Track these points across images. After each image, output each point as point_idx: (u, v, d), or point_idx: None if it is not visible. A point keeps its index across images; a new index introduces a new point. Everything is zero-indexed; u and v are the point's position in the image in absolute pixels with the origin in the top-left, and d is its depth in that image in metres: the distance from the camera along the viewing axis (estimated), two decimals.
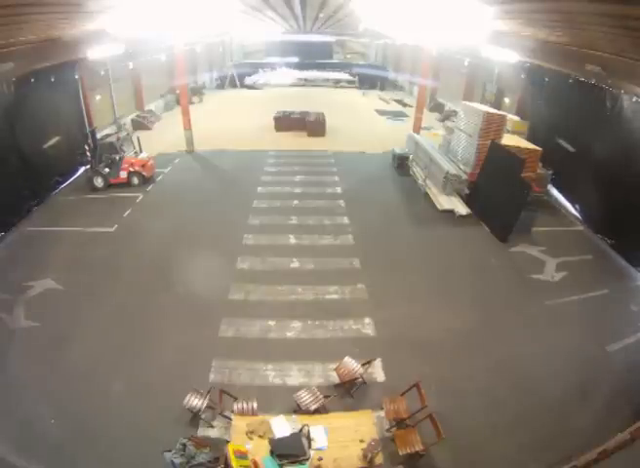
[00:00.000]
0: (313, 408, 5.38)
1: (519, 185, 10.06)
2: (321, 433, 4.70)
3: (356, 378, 5.97)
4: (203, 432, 5.42)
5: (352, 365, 6.04)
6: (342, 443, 4.65)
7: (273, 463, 4.38)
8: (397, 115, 23.56)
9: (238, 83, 31.68)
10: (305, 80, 33.05)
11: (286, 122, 19.53)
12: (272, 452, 4.46)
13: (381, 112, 24.16)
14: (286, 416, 4.92)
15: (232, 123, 20.86)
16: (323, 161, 15.86)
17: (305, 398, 5.51)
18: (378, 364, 6.53)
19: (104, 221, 10.74)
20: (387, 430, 5.34)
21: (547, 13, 6.43)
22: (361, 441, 4.66)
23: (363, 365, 6.06)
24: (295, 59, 34.52)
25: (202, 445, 4.84)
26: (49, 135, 12.46)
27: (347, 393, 6.00)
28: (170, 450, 4.70)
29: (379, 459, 4.53)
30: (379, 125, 21.44)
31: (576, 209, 11.95)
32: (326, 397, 5.55)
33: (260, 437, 4.65)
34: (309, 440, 4.58)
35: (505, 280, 8.88)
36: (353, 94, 30.31)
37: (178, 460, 4.64)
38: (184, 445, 4.75)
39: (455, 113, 17.90)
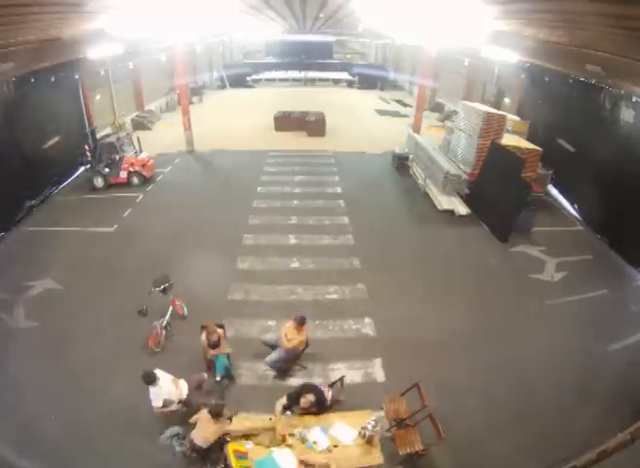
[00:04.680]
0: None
1: (519, 185, 10.06)
2: (320, 434, 4.70)
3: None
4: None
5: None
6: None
7: (273, 464, 4.38)
8: (397, 115, 23.56)
9: (227, 84, 31.74)
10: (305, 80, 33.08)
11: (286, 122, 19.53)
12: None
13: (382, 112, 24.16)
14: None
15: (232, 123, 20.85)
16: (323, 161, 15.86)
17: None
18: (378, 363, 6.53)
19: (104, 221, 10.75)
20: (387, 430, 5.33)
21: (548, 13, 6.43)
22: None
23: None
24: (295, 59, 34.50)
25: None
26: (49, 134, 12.47)
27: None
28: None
29: (376, 441, 4.61)
30: (379, 125, 21.42)
31: (575, 209, 11.96)
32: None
33: (268, 446, 4.60)
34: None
35: (505, 280, 8.89)
36: (353, 94, 30.32)
37: (179, 448, 4.68)
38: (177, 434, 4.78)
39: (455, 113, 17.92)
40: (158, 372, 5.17)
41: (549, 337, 7.18)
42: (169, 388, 5.23)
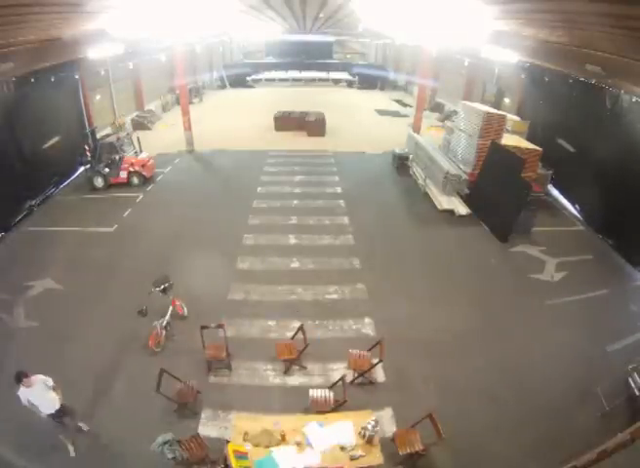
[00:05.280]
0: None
1: (519, 185, 10.06)
2: (317, 428, 4.71)
3: (373, 366, 6.07)
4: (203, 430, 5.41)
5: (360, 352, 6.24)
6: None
7: (273, 464, 4.38)
8: (397, 115, 23.56)
9: (227, 84, 31.82)
10: (305, 80, 33.09)
11: (286, 122, 19.54)
12: None
13: (382, 112, 24.16)
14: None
15: (232, 123, 20.87)
16: (323, 161, 15.86)
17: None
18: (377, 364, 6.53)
19: (104, 221, 10.75)
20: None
21: (547, 13, 6.43)
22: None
23: (369, 350, 6.19)
24: (295, 59, 34.52)
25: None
26: (49, 134, 12.46)
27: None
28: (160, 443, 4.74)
29: (376, 441, 4.60)
30: (379, 125, 21.42)
31: (576, 209, 11.96)
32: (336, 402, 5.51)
33: (267, 447, 4.57)
34: None
35: (505, 280, 8.89)
36: (353, 94, 30.32)
37: (170, 455, 4.66)
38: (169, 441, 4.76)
39: (455, 113, 17.94)
40: (39, 377, 4.87)
41: (549, 337, 7.18)
42: (45, 394, 4.88)
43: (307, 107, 20.87)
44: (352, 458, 4.49)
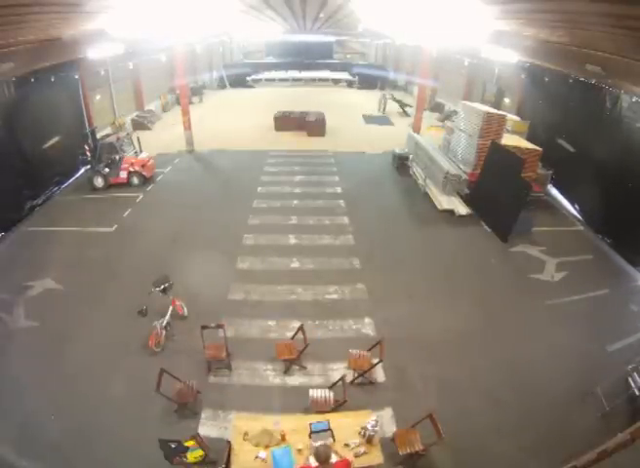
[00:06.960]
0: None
1: (519, 185, 10.06)
2: (319, 426, 4.70)
3: (372, 366, 6.07)
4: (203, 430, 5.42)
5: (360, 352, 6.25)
6: (344, 442, 4.64)
7: (285, 457, 4.38)
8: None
9: (227, 84, 31.85)
10: (305, 80, 33.10)
11: (286, 122, 19.53)
12: None
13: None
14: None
15: (232, 123, 20.87)
16: (323, 161, 15.86)
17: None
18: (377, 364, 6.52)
19: (104, 221, 10.75)
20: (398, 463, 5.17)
21: (548, 13, 6.43)
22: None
23: (369, 350, 6.20)
24: (295, 59, 34.52)
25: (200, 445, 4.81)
26: (49, 134, 12.45)
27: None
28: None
29: (376, 441, 4.60)
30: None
31: (575, 209, 11.96)
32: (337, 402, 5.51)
33: (267, 447, 4.56)
34: None
35: (506, 280, 8.88)
36: (353, 94, 30.32)
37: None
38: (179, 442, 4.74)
39: (455, 113, 17.93)
40: None
41: (549, 337, 7.18)
42: None
43: (307, 107, 20.86)
44: (356, 455, 4.49)
